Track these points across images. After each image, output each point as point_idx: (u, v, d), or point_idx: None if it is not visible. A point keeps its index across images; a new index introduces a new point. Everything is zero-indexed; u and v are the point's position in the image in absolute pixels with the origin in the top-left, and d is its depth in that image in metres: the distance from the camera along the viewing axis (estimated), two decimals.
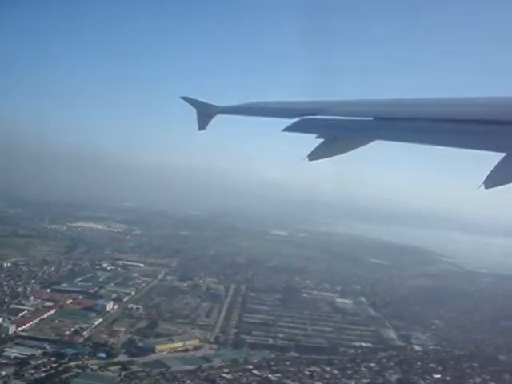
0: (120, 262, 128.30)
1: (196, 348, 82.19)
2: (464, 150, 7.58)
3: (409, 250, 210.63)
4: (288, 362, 79.74)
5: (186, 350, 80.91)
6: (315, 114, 10.69)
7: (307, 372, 76.93)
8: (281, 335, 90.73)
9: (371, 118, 9.87)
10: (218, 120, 14.26)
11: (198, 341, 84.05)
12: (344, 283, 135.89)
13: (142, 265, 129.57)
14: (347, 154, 10.11)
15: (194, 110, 14.84)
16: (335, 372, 77.93)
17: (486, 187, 7.08)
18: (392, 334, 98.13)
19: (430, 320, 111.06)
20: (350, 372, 78.59)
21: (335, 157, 10.15)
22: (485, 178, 7.11)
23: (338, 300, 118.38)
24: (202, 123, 14.70)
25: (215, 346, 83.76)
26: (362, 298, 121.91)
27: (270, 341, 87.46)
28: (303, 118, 10.75)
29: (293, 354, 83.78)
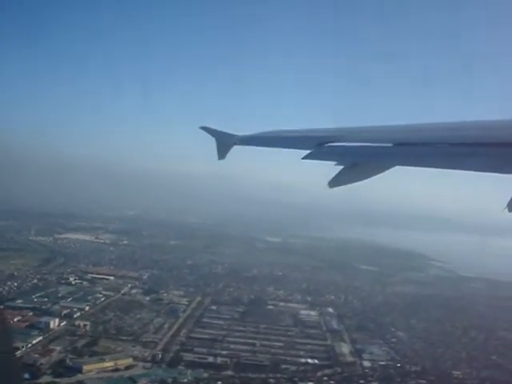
0: (89, 276, 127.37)
1: (128, 367, 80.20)
2: (485, 173, 7.42)
3: (403, 255, 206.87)
4: (219, 382, 77.35)
5: (117, 370, 79.03)
6: (334, 141, 10.68)
7: None
8: (224, 352, 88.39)
9: (390, 144, 9.77)
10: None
11: (131, 359, 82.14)
12: (318, 293, 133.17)
13: (111, 278, 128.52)
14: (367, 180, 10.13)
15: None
16: None
17: (510, 210, 7.19)
18: (345, 349, 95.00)
19: (394, 332, 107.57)
20: None
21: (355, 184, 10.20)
22: (508, 200, 7.25)
23: (303, 312, 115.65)
24: (222, 153, 14.74)
25: (149, 365, 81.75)
26: (330, 309, 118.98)
27: (210, 358, 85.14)
28: (323, 146, 10.74)
29: (229, 372, 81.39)
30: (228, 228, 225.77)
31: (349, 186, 10.14)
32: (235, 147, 14.13)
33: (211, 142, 14.76)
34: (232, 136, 14.42)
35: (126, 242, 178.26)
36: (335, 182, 10.20)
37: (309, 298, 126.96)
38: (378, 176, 10.01)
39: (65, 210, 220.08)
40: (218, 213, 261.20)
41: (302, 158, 10.78)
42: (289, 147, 12.23)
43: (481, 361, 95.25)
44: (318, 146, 10.75)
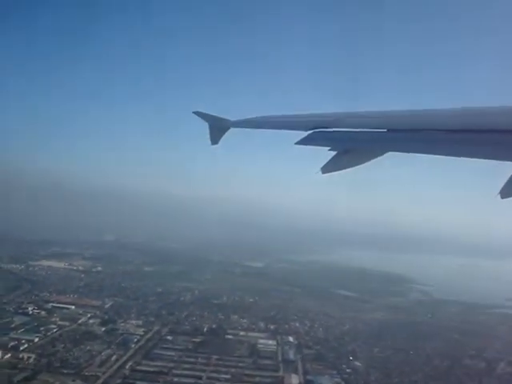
0: (50, 305, 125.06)
1: None
2: (479, 160, 7.39)
3: (388, 279, 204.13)
4: None
5: None
6: (327, 127, 10.61)
7: None
8: None
9: (384, 130, 9.72)
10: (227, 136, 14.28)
11: None
12: (284, 320, 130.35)
13: (73, 307, 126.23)
14: (360, 166, 10.02)
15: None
16: None
17: (502, 197, 7.21)
18: (295, 381, 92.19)
19: (351, 362, 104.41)
20: None
21: (348, 169, 10.12)
22: (500, 187, 7.27)
23: (261, 341, 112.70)
24: (215, 138, 14.79)
25: None
26: (291, 338, 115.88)
27: None
28: (315, 131, 10.73)
29: None
30: (209, 253, 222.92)
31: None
32: (227, 139, 14.28)
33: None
34: (225, 120, 14.40)
35: (99, 268, 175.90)
36: (328, 167, 10.15)
37: (272, 327, 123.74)
38: (371, 162, 9.94)
39: (42, 236, 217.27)
40: (201, 236, 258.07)
41: (296, 143, 10.86)
42: (282, 129, 12.28)
43: None
44: (311, 131, 10.74)
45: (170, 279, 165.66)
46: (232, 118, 14.53)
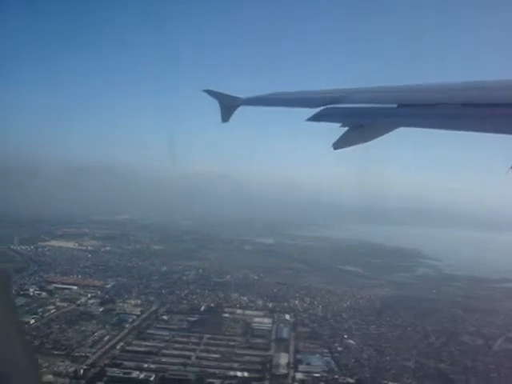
0: (52, 286, 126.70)
1: None
2: (492, 134, 7.34)
3: (398, 254, 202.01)
4: None
5: None
6: (339, 102, 10.66)
7: None
8: (153, 366, 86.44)
9: (395, 105, 9.71)
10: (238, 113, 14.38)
11: (50, 376, 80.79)
12: (285, 298, 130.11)
13: (75, 287, 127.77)
14: (371, 142, 10.10)
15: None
16: None
17: None
18: (284, 360, 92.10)
19: (345, 340, 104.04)
20: None
21: (359, 145, 10.24)
22: None
23: (257, 320, 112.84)
24: (225, 115, 14.89)
25: (68, 382, 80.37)
26: (287, 316, 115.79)
27: (135, 373, 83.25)
28: (327, 107, 10.73)
29: None
30: (220, 230, 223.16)
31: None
32: (237, 116, 14.29)
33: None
34: (236, 98, 14.48)
35: (108, 248, 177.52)
36: (340, 143, 10.23)
37: (270, 305, 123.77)
38: (382, 137, 9.97)
39: (57, 216, 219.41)
40: (214, 213, 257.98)
41: (307, 120, 10.88)
42: (293, 106, 12.29)
43: (426, 370, 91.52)
44: (322, 107, 10.74)
45: (176, 257, 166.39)
46: (244, 95, 14.68)
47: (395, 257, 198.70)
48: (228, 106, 14.72)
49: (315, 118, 10.80)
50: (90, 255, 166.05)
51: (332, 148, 10.33)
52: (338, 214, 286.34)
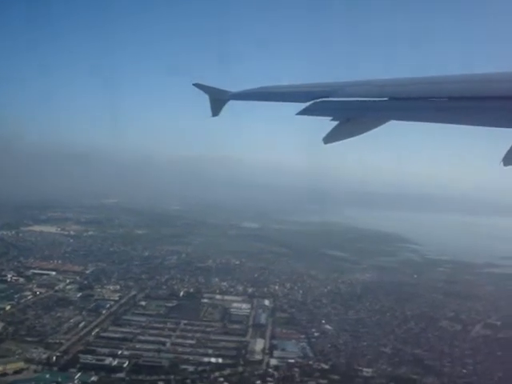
0: (30, 272, 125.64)
1: (17, 372, 78.18)
2: (481, 127, 7.34)
3: (382, 238, 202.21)
4: None
5: (4, 375, 77.09)
6: (329, 96, 10.61)
7: None
8: (127, 353, 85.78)
9: (386, 99, 9.73)
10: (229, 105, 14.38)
11: (22, 363, 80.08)
12: (265, 283, 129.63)
13: (53, 273, 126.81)
14: (362, 135, 10.06)
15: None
16: None
17: (505, 165, 7.46)
18: (259, 346, 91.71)
19: (323, 325, 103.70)
20: None
21: (350, 139, 10.19)
22: (503, 155, 7.44)
23: (235, 305, 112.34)
24: (215, 109, 14.89)
25: (40, 369, 79.62)
26: (266, 302, 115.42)
27: (108, 360, 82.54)
28: (317, 101, 10.70)
29: (119, 375, 78.85)
30: (207, 214, 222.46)
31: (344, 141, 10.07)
32: (229, 108, 14.31)
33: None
34: (226, 92, 14.47)
35: (91, 233, 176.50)
36: (330, 137, 10.24)
37: (250, 290, 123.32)
38: (373, 131, 9.95)
39: (42, 201, 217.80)
40: (203, 198, 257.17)
41: (297, 114, 10.83)
42: (283, 101, 12.16)
43: (402, 356, 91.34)
44: (312, 100, 10.69)
45: (160, 242, 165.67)
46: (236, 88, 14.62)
47: (379, 241, 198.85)
48: (218, 100, 14.71)
49: (305, 111, 10.79)
50: (72, 240, 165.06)
51: (322, 142, 10.35)
52: (326, 199, 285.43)
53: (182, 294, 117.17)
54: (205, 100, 14.84)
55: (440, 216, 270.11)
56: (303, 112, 10.79)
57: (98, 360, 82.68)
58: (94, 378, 77.18)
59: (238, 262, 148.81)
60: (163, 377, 78.57)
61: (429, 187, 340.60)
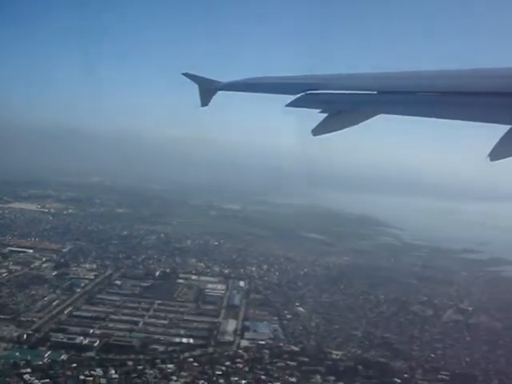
0: (7, 249, 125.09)
1: None
2: (469, 122, 7.49)
3: (362, 222, 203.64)
4: (74, 365, 75.25)
5: None
6: (318, 89, 10.71)
7: (82, 377, 72.48)
8: (98, 332, 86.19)
9: (375, 92, 9.83)
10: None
11: None
12: (242, 264, 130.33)
13: (31, 251, 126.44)
14: (351, 128, 10.14)
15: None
16: (114, 377, 73.15)
17: (492, 160, 7.36)
18: (231, 327, 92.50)
19: (296, 307, 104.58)
20: (134, 375, 73.97)
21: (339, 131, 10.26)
22: (490, 150, 7.37)
23: (211, 286, 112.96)
24: (205, 99, 14.91)
25: (10, 347, 79.89)
26: (242, 283, 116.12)
27: (79, 339, 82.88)
28: (306, 93, 10.77)
29: (89, 354, 79.26)
30: (188, 195, 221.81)
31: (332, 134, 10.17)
32: (219, 96, 14.30)
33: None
34: (215, 82, 14.47)
35: (71, 211, 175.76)
36: (319, 129, 10.29)
37: (226, 271, 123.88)
38: (361, 124, 10.02)
39: (24, 178, 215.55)
40: (187, 179, 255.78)
41: (286, 106, 10.94)
42: (273, 92, 12.23)
43: (372, 339, 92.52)
44: (302, 92, 10.77)
45: (140, 222, 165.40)
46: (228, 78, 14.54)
47: (359, 225, 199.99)
48: (207, 90, 14.68)
49: (294, 103, 10.85)
50: (51, 218, 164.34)
51: (311, 134, 10.37)
52: (309, 182, 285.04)
53: (157, 273, 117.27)
54: (194, 88, 14.96)
55: (423, 201, 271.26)
56: (292, 104, 10.91)
57: (68, 339, 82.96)
58: (63, 357, 77.30)
59: (216, 243, 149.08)
60: (133, 356, 78.90)
61: (414, 173, 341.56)
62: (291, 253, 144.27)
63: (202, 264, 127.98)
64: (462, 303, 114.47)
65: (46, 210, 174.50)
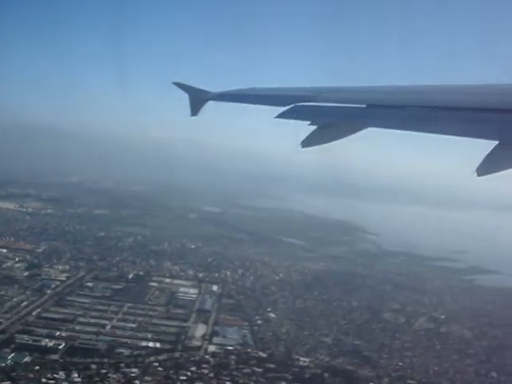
0: None
1: None
2: (457, 137, 7.58)
3: (341, 228, 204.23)
4: (37, 367, 74.46)
5: None
6: (308, 101, 10.87)
7: (44, 380, 71.75)
8: (64, 334, 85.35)
9: (364, 105, 10.01)
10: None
11: None
12: (217, 268, 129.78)
13: (4, 250, 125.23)
14: (340, 141, 10.14)
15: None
16: (77, 380, 72.47)
17: (479, 175, 7.31)
18: (200, 332, 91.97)
19: (267, 313, 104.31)
20: (97, 379, 73.29)
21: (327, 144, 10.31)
22: (477, 165, 7.30)
23: (183, 290, 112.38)
24: (195, 109, 14.97)
25: None
26: (215, 287, 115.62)
27: (44, 341, 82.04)
28: (296, 105, 10.96)
29: (54, 357, 78.45)
30: (169, 197, 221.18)
31: (322, 146, 10.18)
32: (209, 106, 14.30)
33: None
34: (206, 92, 14.66)
35: (49, 211, 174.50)
36: (308, 141, 10.30)
37: (201, 275, 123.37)
38: (350, 137, 10.00)
39: (3, 177, 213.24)
40: (169, 180, 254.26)
41: (276, 117, 11.11)
42: (263, 104, 12.28)
43: (342, 347, 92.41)
44: (292, 104, 10.97)
45: (118, 223, 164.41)
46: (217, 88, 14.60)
47: (339, 231, 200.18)
48: (197, 99, 14.78)
49: (284, 115, 10.99)
50: (28, 217, 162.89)
51: (300, 146, 10.37)
52: (290, 186, 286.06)
53: (131, 276, 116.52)
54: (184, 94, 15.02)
55: (405, 208, 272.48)
56: (282, 115, 11.04)
57: (34, 341, 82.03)
58: (27, 359, 76.45)
59: (193, 246, 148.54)
60: (97, 360, 78.11)
61: (403, 182, 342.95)
62: (268, 257, 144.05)
63: (176, 267, 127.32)
64: (434, 311, 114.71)
65: (24, 210, 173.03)
